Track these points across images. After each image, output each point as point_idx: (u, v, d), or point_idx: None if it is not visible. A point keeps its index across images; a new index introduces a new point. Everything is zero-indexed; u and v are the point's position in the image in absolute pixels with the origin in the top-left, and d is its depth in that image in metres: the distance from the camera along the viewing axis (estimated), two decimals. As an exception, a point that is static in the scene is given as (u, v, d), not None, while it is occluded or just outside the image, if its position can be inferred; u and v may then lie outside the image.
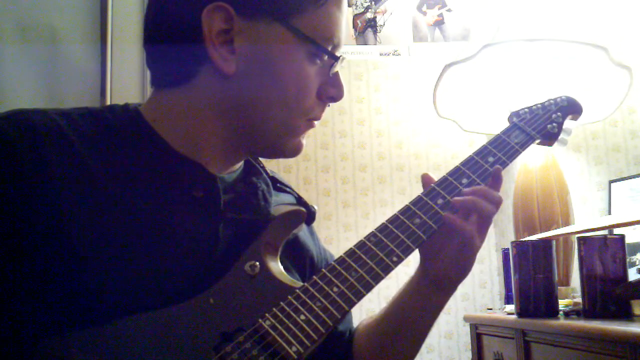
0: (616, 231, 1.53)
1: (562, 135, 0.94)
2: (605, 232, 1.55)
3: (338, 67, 0.77)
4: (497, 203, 0.81)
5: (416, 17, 2.31)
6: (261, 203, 0.75)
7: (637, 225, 1.59)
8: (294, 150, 0.78)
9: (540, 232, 1.65)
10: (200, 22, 0.70)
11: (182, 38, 0.72)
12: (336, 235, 2.19)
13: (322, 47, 0.74)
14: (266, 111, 0.74)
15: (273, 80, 0.73)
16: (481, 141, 2.28)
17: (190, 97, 0.74)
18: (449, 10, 2.31)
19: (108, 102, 1.78)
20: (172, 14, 0.73)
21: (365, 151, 2.23)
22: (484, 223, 0.81)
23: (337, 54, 0.77)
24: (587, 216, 2.03)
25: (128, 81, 1.84)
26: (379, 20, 2.31)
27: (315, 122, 0.79)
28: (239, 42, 0.72)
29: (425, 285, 0.85)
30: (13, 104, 1.51)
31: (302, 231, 0.86)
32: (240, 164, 0.81)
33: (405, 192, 2.18)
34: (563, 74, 1.79)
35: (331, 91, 0.78)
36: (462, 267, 0.83)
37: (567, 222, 1.74)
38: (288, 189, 0.85)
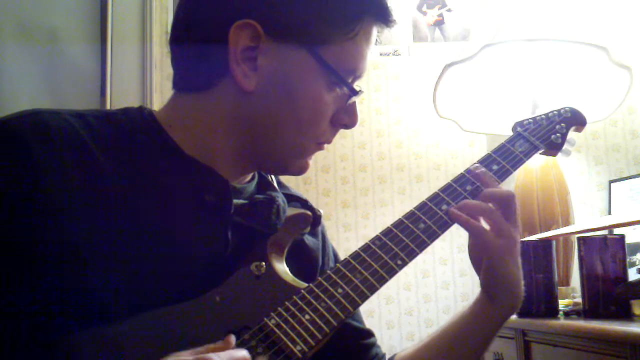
0: (616, 231, 1.53)
1: (565, 146, 0.95)
2: (605, 232, 1.55)
3: (355, 99, 0.78)
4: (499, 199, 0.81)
5: (416, 17, 2.31)
6: (272, 217, 0.75)
7: (637, 225, 1.59)
8: (299, 170, 0.80)
9: (540, 232, 1.66)
10: (228, 35, 0.71)
11: (207, 46, 0.73)
12: (336, 235, 2.19)
13: (344, 79, 0.75)
14: (278, 131, 0.75)
15: (289, 103, 0.74)
16: (481, 141, 2.28)
17: (207, 106, 0.75)
18: (449, 10, 2.32)
19: (108, 102, 1.78)
20: (202, 22, 0.74)
21: (365, 151, 2.23)
22: (495, 222, 0.80)
23: (357, 85, 0.78)
24: (587, 216, 2.03)
25: (128, 81, 1.84)
26: (379, 20, 2.31)
27: (325, 145, 0.80)
28: (262, 61, 0.72)
29: (480, 294, 0.85)
30: (13, 104, 1.51)
31: (310, 235, 0.87)
32: (252, 175, 0.82)
33: (405, 192, 2.18)
34: (563, 74, 1.79)
35: (345, 119, 0.79)
36: (489, 266, 0.80)
37: (567, 222, 1.74)
38: (295, 195, 0.86)
